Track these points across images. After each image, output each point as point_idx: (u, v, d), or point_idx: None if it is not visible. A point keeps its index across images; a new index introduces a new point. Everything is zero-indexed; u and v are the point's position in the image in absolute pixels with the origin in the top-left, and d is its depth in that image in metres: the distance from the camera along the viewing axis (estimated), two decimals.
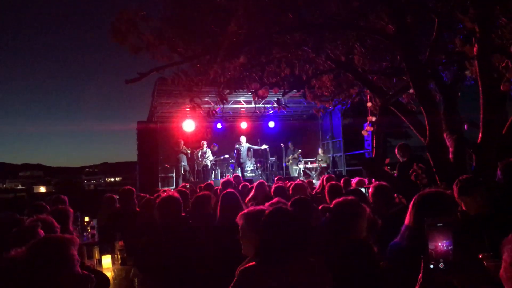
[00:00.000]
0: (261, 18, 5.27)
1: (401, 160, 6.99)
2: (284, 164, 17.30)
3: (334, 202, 3.10)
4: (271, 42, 5.89)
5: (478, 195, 3.30)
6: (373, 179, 6.11)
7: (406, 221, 2.37)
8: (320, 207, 3.76)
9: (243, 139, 15.81)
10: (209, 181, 14.43)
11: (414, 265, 1.71)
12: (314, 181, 13.37)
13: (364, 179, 7.20)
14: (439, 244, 1.62)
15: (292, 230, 2.17)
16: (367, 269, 2.56)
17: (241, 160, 15.53)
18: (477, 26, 4.75)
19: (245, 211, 2.80)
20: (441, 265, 1.61)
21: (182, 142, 15.68)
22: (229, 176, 12.00)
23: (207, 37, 5.23)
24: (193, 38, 5.15)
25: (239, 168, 15.63)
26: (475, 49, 4.92)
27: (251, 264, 2.13)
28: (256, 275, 2.05)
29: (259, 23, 5.33)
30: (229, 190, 4.32)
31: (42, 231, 3.21)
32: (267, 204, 3.31)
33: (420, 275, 1.65)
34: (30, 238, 2.85)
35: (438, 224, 1.63)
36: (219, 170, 16.73)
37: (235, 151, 15.72)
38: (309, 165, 16.81)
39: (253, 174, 16.00)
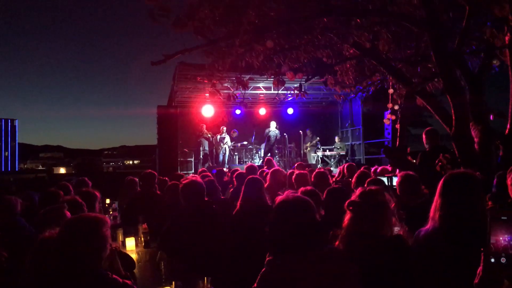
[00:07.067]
0: (288, 2, 5.18)
1: (425, 146, 6.85)
2: (302, 151, 17.24)
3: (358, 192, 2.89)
4: (297, 27, 5.80)
5: None
6: (397, 169, 6.01)
7: (434, 202, 2.27)
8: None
9: (273, 124, 15.72)
10: (226, 166, 14.49)
11: (449, 248, 1.62)
12: (332, 168, 13.34)
13: (387, 167, 7.10)
14: (501, 238, 1.55)
15: (301, 218, 2.09)
16: (403, 267, 2.40)
17: (270, 144, 15.45)
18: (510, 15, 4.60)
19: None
20: (503, 260, 1.55)
21: (205, 127, 15.76)
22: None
23: (232, 21, 5.16)
24: (219, 21, 5.09)
25: (269, 153, 15.49)
26: (507, 38, 4.77)
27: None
28: (278, 267, 2.02)
29: (286, 6, 5.24)
30: (253, 176, 4.30)
31: (68, 213, 3.26)
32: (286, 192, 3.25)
33: (480, 268, 1.59)
34: (57, 219, 2.90)
35: (502, 218, 1.56)
36: (237, 155, 16.78)
37: (266, 137, 15.76)
38: (327, 153, 16.73)
39: None
